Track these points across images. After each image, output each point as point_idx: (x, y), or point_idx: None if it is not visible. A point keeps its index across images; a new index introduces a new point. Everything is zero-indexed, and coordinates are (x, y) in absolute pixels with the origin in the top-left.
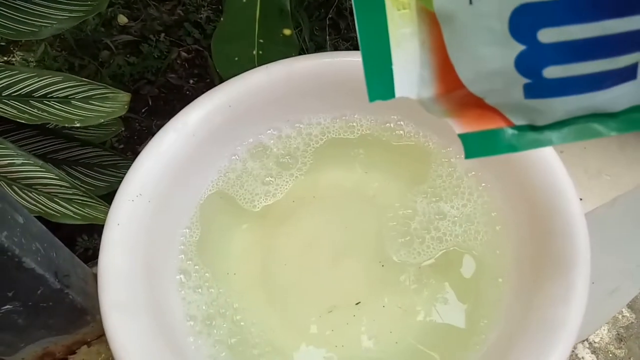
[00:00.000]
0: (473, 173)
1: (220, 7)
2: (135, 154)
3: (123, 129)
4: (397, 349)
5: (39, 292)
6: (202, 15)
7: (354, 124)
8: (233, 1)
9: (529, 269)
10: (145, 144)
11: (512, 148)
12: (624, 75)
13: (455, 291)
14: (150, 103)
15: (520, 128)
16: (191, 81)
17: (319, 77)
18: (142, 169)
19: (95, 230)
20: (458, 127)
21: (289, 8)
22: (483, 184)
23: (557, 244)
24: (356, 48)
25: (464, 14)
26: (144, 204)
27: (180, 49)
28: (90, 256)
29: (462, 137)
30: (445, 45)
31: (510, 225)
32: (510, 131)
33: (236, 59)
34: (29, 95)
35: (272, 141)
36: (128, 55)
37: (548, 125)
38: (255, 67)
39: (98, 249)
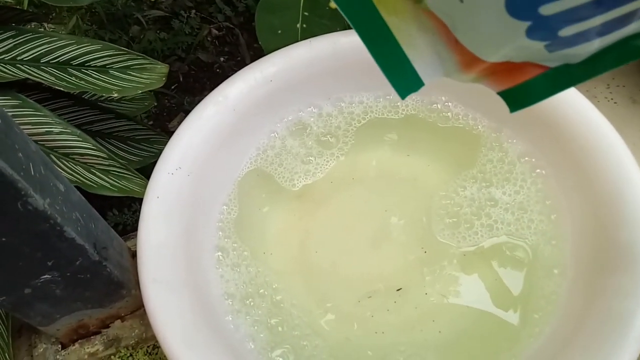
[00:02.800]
0: (526, 158)
1: None
2: (165, 130)
3: (155, 104)
4: (440, 338)
5: (77, 262)
6: None
7: (399, 103)
8: None
9: (589, 260)
10: (180, 120)
11: (556, 88)
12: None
13: (506, 281)
14: (180, 80)
15: (557, 70)
16: (222, 59)
17: (364, 54)
18: (182, 142)
19: (125, 205)
20: (495, 86)
21: None
22: (537, 170)
23: (623, 234)
24: None
25: (459, 10)
26: (183, 178)
27: (211, 26)
28: (121, 231)
29: (502, 94)
30: (452, 34)
31: (567, 214)
32: (548, 75)
33: (279, 31)
34: (67, 63)
35: (312, 119)
36: (159, 31)
37: (585, 60)
38: (298, 41)
39: (128, 224)
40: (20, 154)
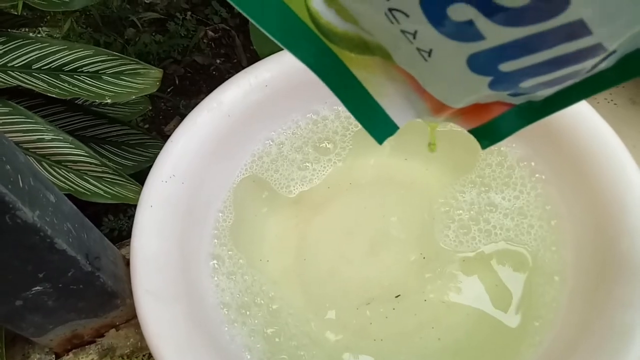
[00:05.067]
0: (525, 163)
1: None
2: (161, 134)
3: (150, 107)
4: (439, 346)
5: (69, 274)
6: None
7: None
8: None
9: (591, 269)
10: (176, 123)
11: (522, 124)
12: (591, 53)
13: (506, 288)
14: (176, 82)
15: (522, 106)
16: (218, 61)
17: None
18: (176, 150)
19: (120, 211)
20: (465, 125)
21: None
22: (537, 175)
23: (624, 243)
24: None
25: (424, 67)
26: (177, 185)
27: (207, 28)
28: (117, 237)
29: (473, 132)
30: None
31: (568, 220)
32: (514, 111)
33: None
34: (59, 69)
35: (309, 124)
36: (154, 34)
37: (548, 98)
38: None
39: (124, 230)
40: (7, 166)
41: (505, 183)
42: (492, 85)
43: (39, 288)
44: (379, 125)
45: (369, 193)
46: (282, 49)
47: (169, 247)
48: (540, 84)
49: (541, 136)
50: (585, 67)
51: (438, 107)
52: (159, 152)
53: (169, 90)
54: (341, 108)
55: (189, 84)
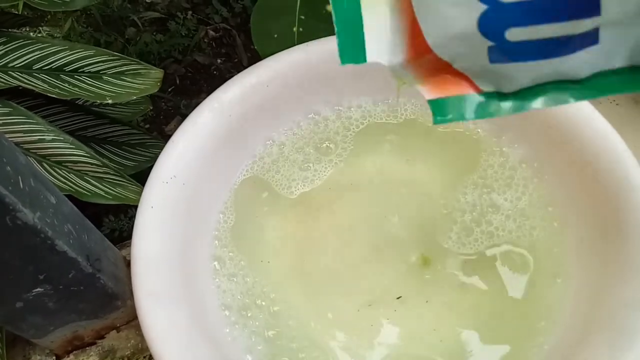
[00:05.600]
0: (527, 164)
1: None
2: (162, 133)
3: (151, 107)
4: (442, 348)
5: (70, 275)
6: None
7: (398, 107)
8: None
9: (594, 270)
10: (177, 123)
11: (480, 114)
12: (586, 40)
13: (508, 290)
14: (177, 82)
15: (488, 95)
16: (219, 61)
17: None
18: (177, 150)
19: (121, 211)
20: (427, 93)
21: None
22: (539, 176)
23: (629, 244)
24: None
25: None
26: (178, 187)
27: (208, 28)
28: (117, 237)
29: (431, 103)
30: (412, 7)
31: (570, 222)
32: (478, 97)
33: (275, 35)
34: (60, 69)
35: (310, 124)
36: (155, 33)
37: (515, 93)
38: (294, 45)
39: (125, 231)
40: (8, 168)
41: (507, 184)
42: (482, 19)
43: (39, 289)
44: (350, 45)
45: (370, 194)
46: (283, 49)
47: (170, 249)
48: (529, 42)
49: (543, 137)
50: (578, 30)
51: (418, 51)
52: (159, 152)
53: (169, 90)
54: (342, 109)
55: (189, 84)
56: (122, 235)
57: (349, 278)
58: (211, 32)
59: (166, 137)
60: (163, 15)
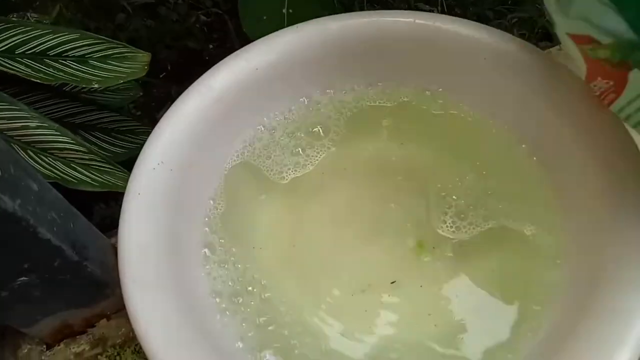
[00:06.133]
0: (524, 145)
1: None
2: (153, 120)
3: (141, 93)
4: (436, 332)
5: (55, 264)
6: None
7: (391, 90)
8: None
9: (593, 252)
10: (167, 108)
11: None
12: None
13: (504, 272)
14: (168, 68)
15: None
16: (211, 46)
17: (355, 39)
18: (164, 136)
19: (112, 198)
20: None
21: None
22: (534, 157)
23: (631, 222)
24: (387, 8)
25: None
26: (166, 173)
27: (199, 12)
28: (109, 225)
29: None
30: None
31: (569, 203)
32: None
33: (264, 17)
34: (43, 53)
35: (301, 109)
36: (145, 19)
37: None
38: (284, 27)
39: (116, 218)
40: None
41: (503, 167)
42: None
43: (24, 278)
44: None
45: (363, 178)
46: (273, 31)
47: (158, 236)
48: None
49: (540, 118)
50: None
51: None
52: None
53: (161, 76)
54: (334, 91)
55: (181, 70)
56: (113, 223)
57: (342, 264)
58: (202, 17)
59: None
60: (153, 1)
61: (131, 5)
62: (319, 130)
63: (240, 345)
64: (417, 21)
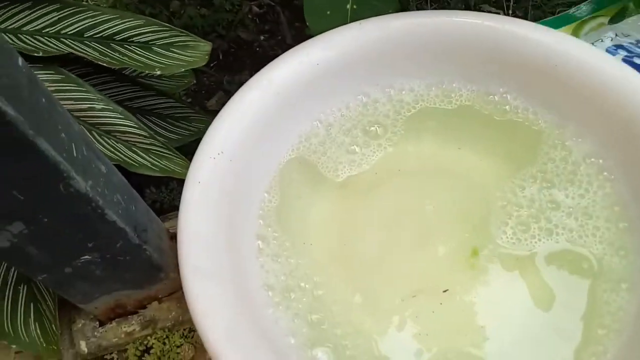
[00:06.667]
0: (593, 159)
1: None
2: (204, 108)
3: (194, 81)
4: (489, 347)
5: (118, 245)
6: None
7: (452, 93)
8: None
9: None
10: (219, 99)
11: None
12: None
13: (566, 292)
14: (220, 57)
15: None
16: (262, 37)
17: (418, 39)
18: (224, 126)
19: (162, 183)
20: None
21: None
22: (605, 173)
23: None
24: (444, 7)
25: None
26: (225, 163)
27: (252, 3)
28: (159, 209)
29: None
30: None
31: (639, 223)
32: None
33: (328, 12)
34: (110, 38)
35: (359, 106)
36: (199, 7)
37: None
38: (347, 23)
39: (165, 202)
40: (63, 135)
41: (569, 180)
42: None
43: (87, 257)
44: None
45: (418, 181)
46: (335, 26)
47: (216, 225)
48: None
49: (612, 130)
50: None
51: None
52: (202, 127)
53: (212, 65)
54: (393, 91)
55: (232, 60)
56: (162, 207)
57: (393, 266)
58: (255, 8)
59: (207, 112)
60: None
61: None
62: (376, 129)
63: (292, 341)
64: (485, 23)
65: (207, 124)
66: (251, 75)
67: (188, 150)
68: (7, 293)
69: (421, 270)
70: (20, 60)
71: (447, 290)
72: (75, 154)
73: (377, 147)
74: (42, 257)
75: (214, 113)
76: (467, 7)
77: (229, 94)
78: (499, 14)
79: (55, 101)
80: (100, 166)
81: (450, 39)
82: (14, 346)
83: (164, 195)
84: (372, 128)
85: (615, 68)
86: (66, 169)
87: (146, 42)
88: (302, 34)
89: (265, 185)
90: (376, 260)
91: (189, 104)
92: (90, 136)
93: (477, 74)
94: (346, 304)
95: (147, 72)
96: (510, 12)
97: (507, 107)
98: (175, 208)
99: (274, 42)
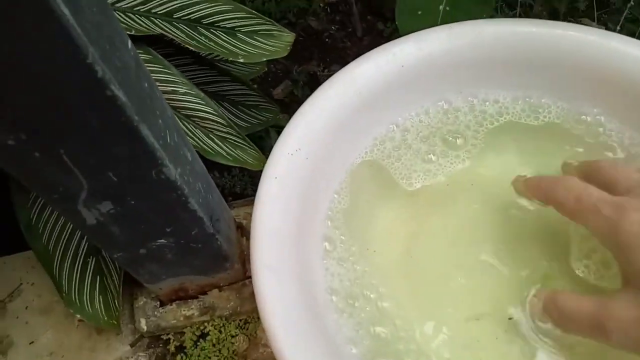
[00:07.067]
0: None
1: None
2: (269, 96)
3: (266, 69)
4: None
5: (193, 232)
6: None
7: (540, 109)
8: None
9: None
10: (285, 87)
11: None
12: None
13: None
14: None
15: None
16: (333, 28)
17: (509, 48)
18: (304, 122)
19: (225, 169)
20: None
21: None
22: None
23: None
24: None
25: None
26: (302, 160)
27: None
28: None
29: None
30: None
31: None
32: None
33: (419, 12)
34: (198, 21)
35: (439, 113)
36: None
37: None
38: (437, 24)
39: (227, 188)
40: (160, 120)
41: None
42: None
43: (163, 241)
44: None
45: (490, 199)
46: (425, 27)
47: (288, 223)
48: None
49: None
50: None
51: None
52: (271, 116)
53: None
54: (477, 101)
55: (301, 49)
56: (223, 193)
57: (458, 284)
58: None
59: (274, 101)
60: None
61: None
62: (456, 139)
63: (354, 350)
64: (589, 37)
65: (276, 113)
66: (319, 66)
67: (255, 139)
68: (77, 264)
69: (487, 292)
70: (129, 43)
71: (512, 318)
72: (168, 141)
73: (455, 158)
74: (122, 237)
75: (280, 102)
76: (565, 19)
77: (295, 84)
78: (602, 28)
79: (155, 85)
80: (187, 153)
81: (547, 52)
82: (78, 315)
83: (226, 180)
84: (451, 138)
85: None
86: (161, 155)
87: (232, 28)
88: (373, 28)
89: (336, 186)
90: (442, 276)
91: (253, 90)
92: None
93: (572, 91)
94: (410, 319)
95: (232, 59)
96: (598, 24)
97: (600, 129)
98: (236, 195)
99: (343, 33)
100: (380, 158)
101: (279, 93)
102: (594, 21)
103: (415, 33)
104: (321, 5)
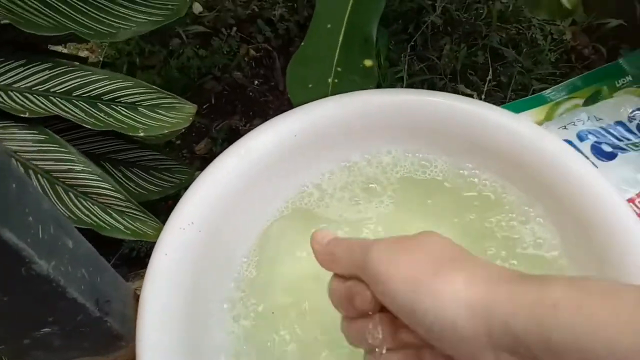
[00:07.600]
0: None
1: (295, 5)
2: (192, 152)
3: (184, 129)
4: None
5: (78, 318)
6: (275, 12)
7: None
8: (318, 25)
9: None
10: (206, 145)
11: None
12: None
13: None
14: (212, 100)
15: None
16: (256, 82)
17: (395, 116)
18: (197, 195)
19: None
20: None
21: (374, 38)
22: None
23: None
24: (430, 70)
25: None
26: (194, 233)
27: (250, 46)
28: (135, 258)
29: None
30: None
31: None
32: None
33: (310, 85)
34: (98, 97)
35: (344, 171)
36: (198, 47)
37: None
38: (327, 96)
39: (142, 251)
40: (30, 218)
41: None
42: None
43: (47, 330)
44: None
45: None
46: (316, 99)
47: (179, 298)
48: None
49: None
50: None
51: None
52: (185, 178)
53: (204, 107)
54: (369, 156)
55: (224, 103)
56: (139, 256)
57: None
58: (252, 52)
59: (195, 157)
60: (208, 30)
61: (186, 32)
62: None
63: None
64: (461, 105)
65: (191, 174)
66: (241, 120)
67: (168, 203)
68: None
69: None
70: None
71: None
72: (41, 236)
73: (379, 204)
74: (1, 330)
75: (202, 158)
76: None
77: (214, 141)
78: (472, 95)
79: (27, 182)
80: (67, 242)
81: (425, 117)
82: None
83: (142, 244)
84: (370, 185)
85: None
86: (29, 254)
87: (133, 103)
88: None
89: (244, 250)
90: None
91: (175, 146)
92: (64, 195)
93: (451, 149)
94: None
95: (131, 134)
96: (486, 88)
97: (475, 180)
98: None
99: (266, 87)
100: (308, 208)
101: (201, 148)
102: (480, 85)
103: (307, 105)
104: (246, 59)
